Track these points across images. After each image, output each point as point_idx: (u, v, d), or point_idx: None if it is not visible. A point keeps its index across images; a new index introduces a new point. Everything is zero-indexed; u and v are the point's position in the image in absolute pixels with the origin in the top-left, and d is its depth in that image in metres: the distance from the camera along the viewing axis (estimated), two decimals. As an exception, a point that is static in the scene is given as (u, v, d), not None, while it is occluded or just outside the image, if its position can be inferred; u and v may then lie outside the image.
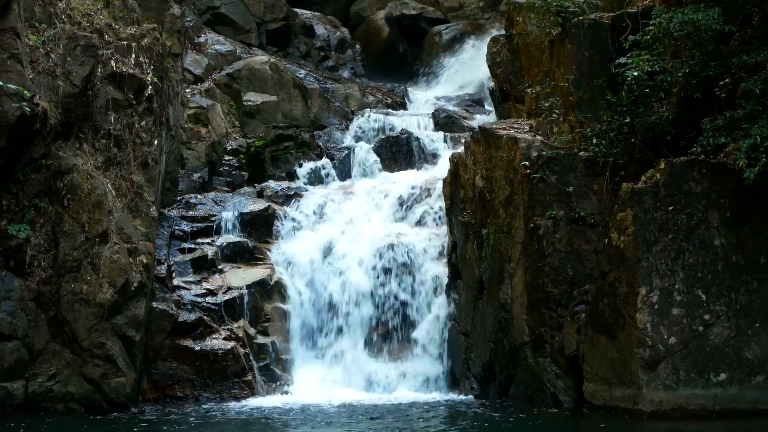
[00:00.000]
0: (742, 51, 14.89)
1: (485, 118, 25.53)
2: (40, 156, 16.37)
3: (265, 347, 18.19)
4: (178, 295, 18.06)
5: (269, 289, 18.80)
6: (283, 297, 18.92)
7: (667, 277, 14.66)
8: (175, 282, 18.26)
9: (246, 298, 18.42)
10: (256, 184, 22.34)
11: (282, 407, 16.64)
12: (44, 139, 16.25)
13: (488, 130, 18.13)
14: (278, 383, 17.96)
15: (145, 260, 16.84)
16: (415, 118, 25.57)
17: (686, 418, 14.35)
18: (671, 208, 14.79)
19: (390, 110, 26.46)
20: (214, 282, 18.58)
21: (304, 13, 31.91)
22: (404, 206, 20.91)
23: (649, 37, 15.59)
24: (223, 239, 19.45)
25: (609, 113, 16.16)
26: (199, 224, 19.63)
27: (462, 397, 17.77)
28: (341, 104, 26.74)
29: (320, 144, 24.57)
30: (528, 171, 16.68)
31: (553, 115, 17.36)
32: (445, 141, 23.59)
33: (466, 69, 30.53)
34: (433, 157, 23.16)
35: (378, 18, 32.74)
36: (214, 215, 19.91)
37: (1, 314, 15.80)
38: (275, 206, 20.76)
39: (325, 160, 23.49)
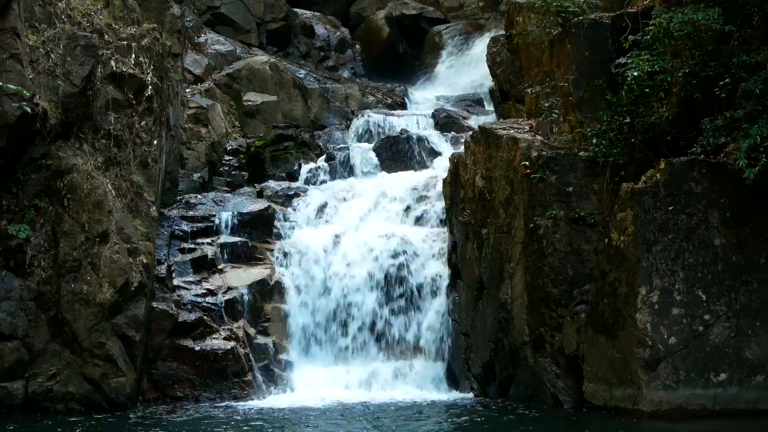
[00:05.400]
0: (742, 51, 14.90)
1: (485, 118, 25.53)
2: (40, 156, 16.37)
3: (265, 347, 18.19)
4: (178, 295, 18.06)
5: (269, 289, 18.80)
6: (283, 297, 18.92)
7: (667, 277, 14.66)
8: (175, 282, 18.25)
9: (246, 298, 18.41)
10: (256, 184, 22.35)
11: (282, 407, 16.63)
12: (44, 139, 16.25)
13: (488, 130, 18.13)
14: (278, 383, 17.96)
15: (145, 260, 16.84)
16: (415, 118, 25.57)
17: (686, 418, 14.35)
18: (671, 208, 14.79)
19: (390, 110, 26.46)
20: (214, 282, 18.58)
21: (304, 13, 31.92)
22: (404, 206, 20.90)
23: (649, 37, 15.60)
24: (223, 239, 19.45)
25: (609, 113, 16.17)
26: (199, 224, 19.62)
27: (462, 396, 17.77)
28: (341, 104, 26.73)
29: (320, 144, 24.57)
30: (528, 171, 16.69)
31: (553, 115, 17.36)
32: (445, 141, 23.58)
33: (466, 69, 30.55)
34: (433, 157, 23.16)
35: (378, 18, 32.75)
36: (214, 215, 19.90)
37: (1, 314, 15.80)
38: (275, 206, 20.76)
39: (325, 160, 23.49)
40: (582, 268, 16.28)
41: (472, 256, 18.08)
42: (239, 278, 18.72)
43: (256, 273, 18.95)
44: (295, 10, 31.60)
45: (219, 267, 18.94)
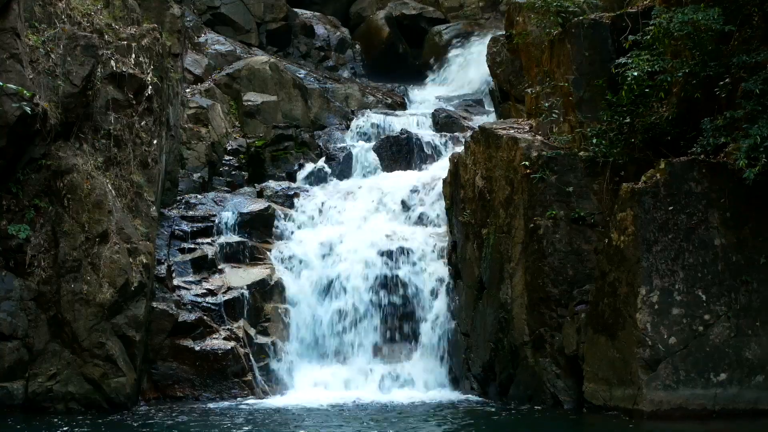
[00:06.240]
0: (742, 51, 14.89)
1: (485, 118, 25.52)
2: (40, 156, 16.37)
3: (265, 347, 18.18)
4: (178, 295, 18.06)
5: (269, 289, 18.79)
6: (283, 297, 18.92)
7: (667, 277, 14.66)
8: (175, 282, 18.25)
9: (246, 298, 18.40)
10: (256, 184, 22.33)
11: (282, 407, 16.64)
12: (44, 139, 16.25)
13: (488, 130, 18.13)
14: (278, 383, 17.96)
15: (145, 260, 16.84)
16: (415, 118, 25.57)
17: (686, 418, 14.36)
18: (671, 208, 14.79)
19: (390, 110, 26.45)
20: (214, 282, 18.58)
21: (304, 13, 31.91)
22: (404, 206, 20.91)
23: (649, 37, 15.59)
24: (223, 239, 19.44)
25: (609, 113, 16.17)
26: (199, 224, 19.62)
27: (462, 397, 17.77)
28: (341, 104, 26.73)
29: (320, 144, 24.56)
30: (528, 171, 16.68)
31: (553, 115, 17.36)
32: (445, 141, 23.57)
33: (466, 69, 30.53)
34: (433, 157, 23.15)
35: (378, 18, 32.73)
36: (214, 215, 19.90)
37: (1, 314, 15.80)
38: (275, 206, 20.75)
39: (325, 160, 23.49)
40: (582, 268, 16.28)
41: (472, 256, 18.08)
42: (239, 278, 18.72)
43: (256, 273, 18.94)
44: (295, 10, 31.58)
45: (219, 267, 18.94)
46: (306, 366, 18.46)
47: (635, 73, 15.41)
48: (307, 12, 32.25)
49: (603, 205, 16.33)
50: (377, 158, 23.27)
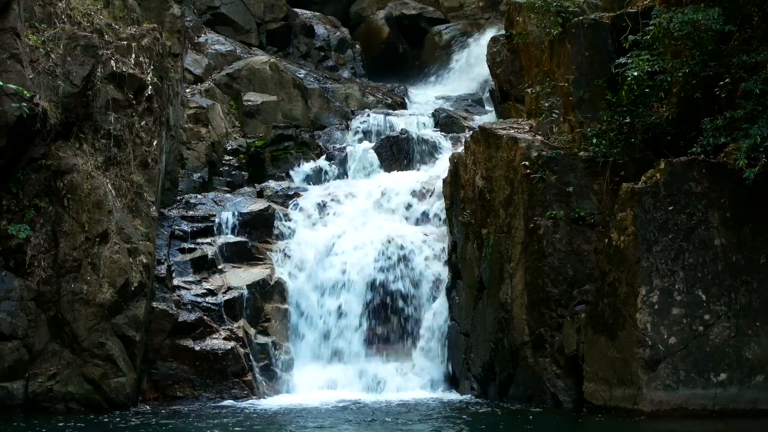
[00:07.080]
0: (742, 51, 14.89)
1: (485, 118, 25.52)
2: (40, 156, 16.37)
3: (265, 347, 18.19)
4: (178, 295, 18.06)
5: (269, 289, 18.80)
6: (283, 297, 18.92)
7: (667, 277, 14.66)
8: (175, 282, 18.25)
9: (246, 298, 18.41)
10: (256, 184, 22.33)
11: (282, 407, 16.64)
12: (44, 139, 16.26)
13: (488, 130, 18.13)
14: (278, 383, 17.97)
15: (145, 260, 16.84)
16: (415, 118, 25.55)
17: (686, 418, 14.36)
18: (671, 208, 14.79)
19: (390, 110, 26.44)
20: (214, 282, 18.58)
21: (304, 13, 31.91)
22: (404, 206, 20.90)
23: (649, 37, 15.59)
24: (223, 239, 19.44)
25: (609, 113, 16.17)
26: (199, 224, 19.62)
27: (462, 397, 17.77)
28: (341, 104, 26.73)
29: (320, 144, 24.56)
30: (528, 171, 16.69)
31: (553, 115, 17.36)
32: (445, 141, 23.57)
33: (466, 69, 30.54)
34: (433, 157, 23.14)
35: (378, 18, 32.73)
36: (214, 215, 19.89)
37: (1, 314, 15.80)
38: (275, 206, 20.74)
39: (324, 160, 23.49)
40: (582, 268, 16.28)
41: (472, 256, 18.08)
42: (239, 278, 18.72)
43: (256, 273, 18.94)
44: (295, 10, 31.58)
45: (219, 267, 18.94)
46: (306, 366, 18.46)
47: (635, 73, 15.42)
48: (307, 12, 32.25)
49: (603, 205, 16.34)
50: (377, 158, 23.24)
